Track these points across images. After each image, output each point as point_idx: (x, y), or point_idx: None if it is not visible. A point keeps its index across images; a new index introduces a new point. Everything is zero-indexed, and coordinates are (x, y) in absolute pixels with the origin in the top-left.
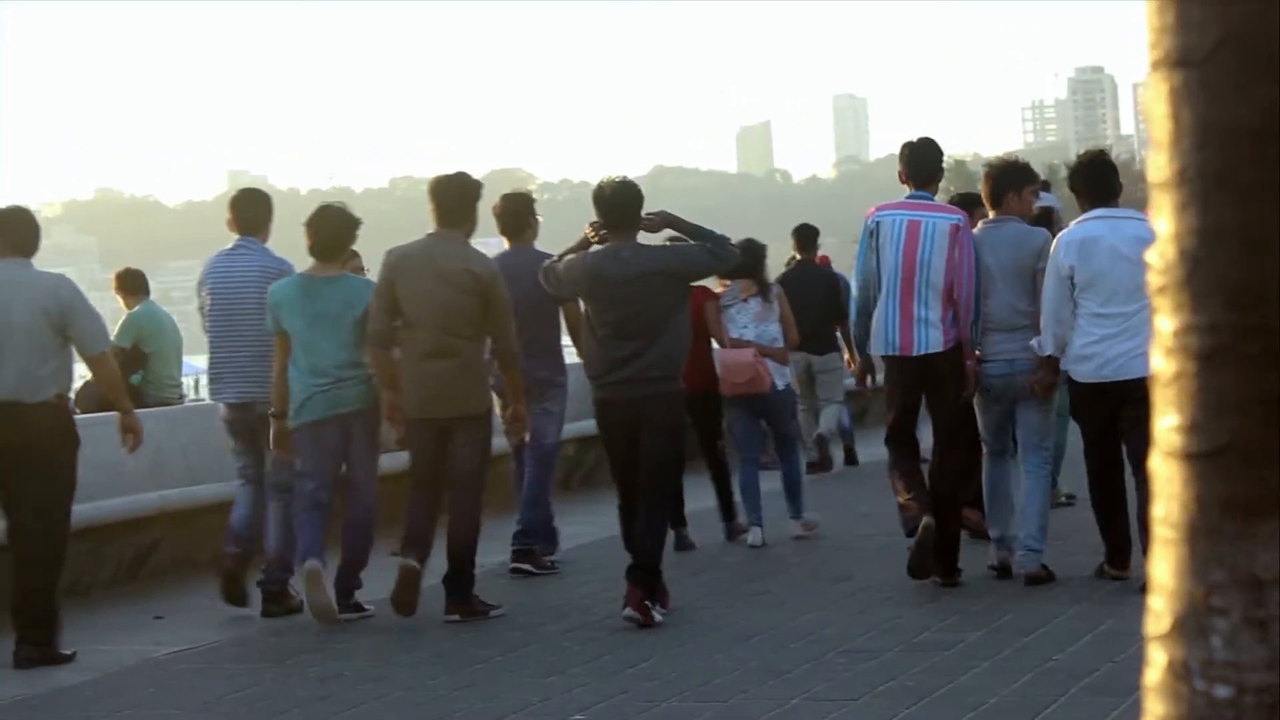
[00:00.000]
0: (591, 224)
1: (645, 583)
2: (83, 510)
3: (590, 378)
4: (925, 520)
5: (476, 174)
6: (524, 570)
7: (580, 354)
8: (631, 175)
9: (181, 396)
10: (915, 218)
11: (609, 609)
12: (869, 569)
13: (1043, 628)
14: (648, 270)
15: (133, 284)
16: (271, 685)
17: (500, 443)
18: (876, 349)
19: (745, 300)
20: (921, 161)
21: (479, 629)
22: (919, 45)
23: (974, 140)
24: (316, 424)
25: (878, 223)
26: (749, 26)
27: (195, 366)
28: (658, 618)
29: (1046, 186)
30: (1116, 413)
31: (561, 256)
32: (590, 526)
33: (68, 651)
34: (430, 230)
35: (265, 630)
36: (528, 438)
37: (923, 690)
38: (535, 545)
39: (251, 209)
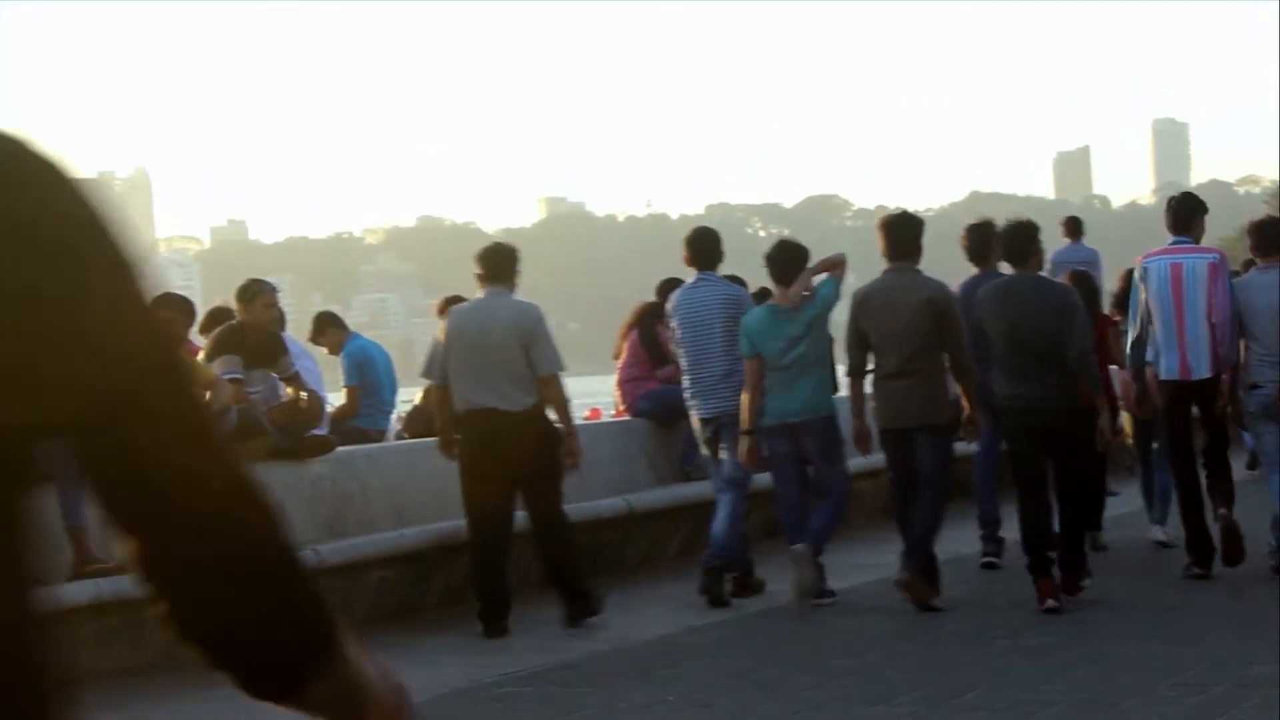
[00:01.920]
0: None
1: (1072, 567)
2: (407, 534)
3: (998, 394)
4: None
5: (792, 200)
6: (993, 564)
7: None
8: (948, 202)
9: None
10: (1177, 260)
11: (933, 635)
12: (1194, 598)
13: None
14: (1057, 306)
15: None
16: (596, 709)
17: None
18: (1162, 375)
19: None
20: (1180, 213)
21: (800, 655)
22: (1241, 68)
23: None
24: (780, 429)
25: (1145, 268)
26: (1066, 50)
27: None
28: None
29: None
30: None
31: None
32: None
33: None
34: (881, 264)
35: (590, 654)
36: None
37: None
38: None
39: (706, 246)
